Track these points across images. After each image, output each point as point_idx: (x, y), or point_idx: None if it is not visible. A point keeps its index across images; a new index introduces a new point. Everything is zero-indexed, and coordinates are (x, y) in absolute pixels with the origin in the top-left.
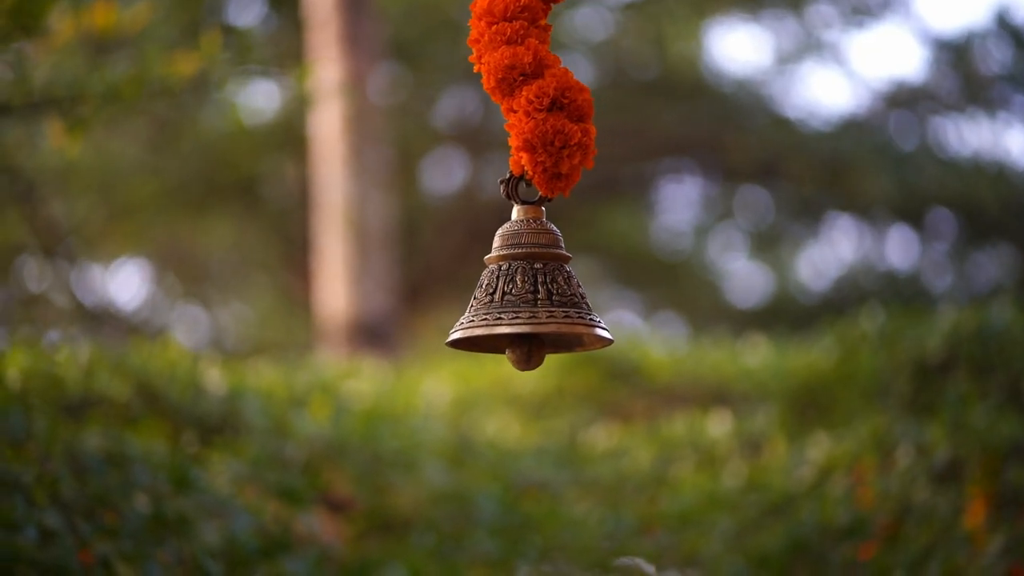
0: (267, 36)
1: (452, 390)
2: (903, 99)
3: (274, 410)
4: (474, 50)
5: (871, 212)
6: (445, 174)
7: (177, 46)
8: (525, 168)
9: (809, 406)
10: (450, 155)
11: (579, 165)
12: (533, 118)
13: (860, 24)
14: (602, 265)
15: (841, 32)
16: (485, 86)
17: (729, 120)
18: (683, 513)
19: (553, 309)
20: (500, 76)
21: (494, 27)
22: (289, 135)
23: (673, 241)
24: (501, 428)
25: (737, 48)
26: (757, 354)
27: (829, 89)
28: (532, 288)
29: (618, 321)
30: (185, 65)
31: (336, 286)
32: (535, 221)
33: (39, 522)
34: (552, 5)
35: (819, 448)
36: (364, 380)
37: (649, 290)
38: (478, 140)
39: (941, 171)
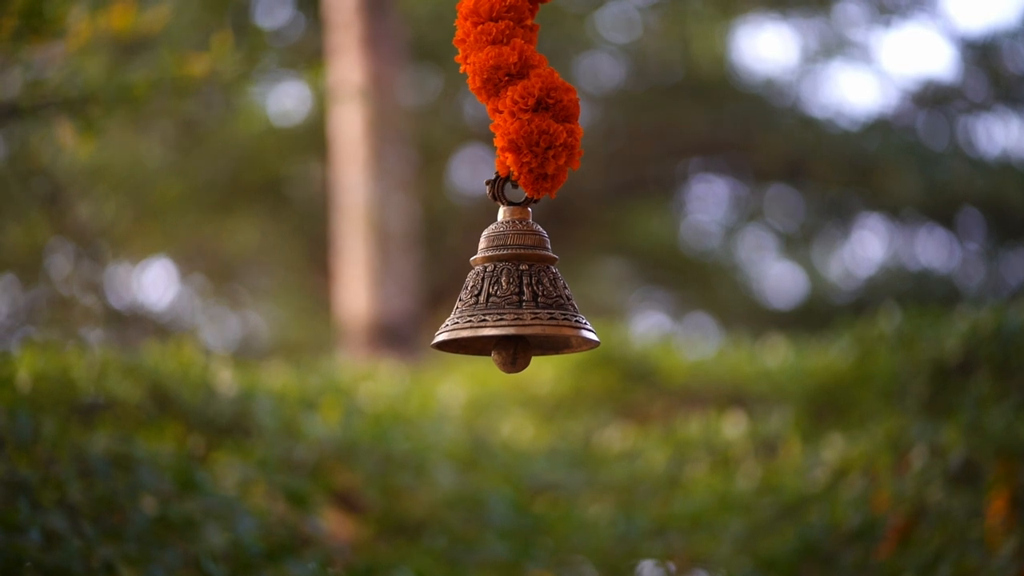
0: (295, 38)
1: (468, 392)
2: (931, 98)
3: (285, 412)
4: (460, 50)
5: (901, 212)
6: (473, 176)
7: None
8: (511, 169)
9: (826, 407)
10: (479, 156)
11: (565, 166)
12: (518, 118)
13: (887, 23)
14: (631, 266)
15: (868, 31)
16: (471, 86)
17: (756, 120)
18: (695, 515)
19: (538, 311)
20: (485, 76)
21: (480, 27)
22: (316, 136)
23: (703, 241)
24: (516, 430)
25: (764, 48)
26: (777, 355)
27: (856, 89)
28: (517, 289)
29: (647, 322)
30: (197, 66)
31: (357, 288)
32: (521, 222)
33: (44, 524)
34: (539, 5)
35: (834, 449)
36: (380, 382)
37: (679, 291)
38: None
39: (970, 170)
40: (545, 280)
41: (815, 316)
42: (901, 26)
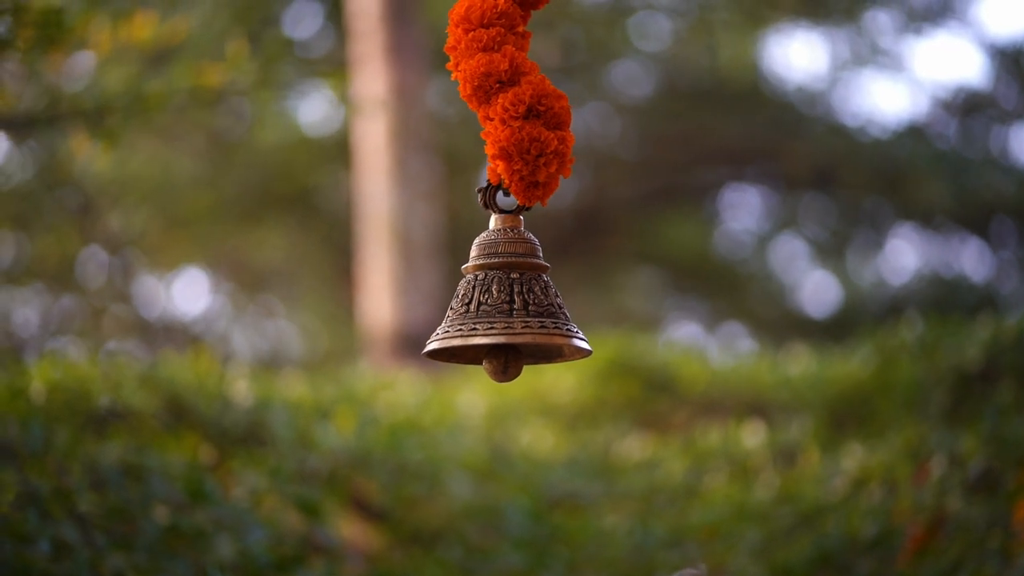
0: (325, 49)
1: (489, 401)
2: (963, 106)
3: (300, 422)
4: (451, 57)
5: (933, 220)
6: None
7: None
8: (502, 176)
9: (847, 416)
10: None
11: (556, 173)
12: (509, 126)
13: (918, 31)
14: (664, 275)
15: (899, 39)
16: (462, 94)
17: (787, 128)
18: (712, 525)
19: (529, 319)
20: (476, 83)
21: (471, 34)
22: (345, 147)
23: (736, 250)
24: (535, 440)
25: (794, 55)
26: (799, 364)
27: (887, 96)
28: (508, 298)
29: (680, 332)
30: (212, 76)
31: (381, 297)
32: (512, 230)
33: (54, 535)
34: (531, 12)
35: (853, 459)
36: (400, 392)
37: (713, 300)
38: None
39: (1002, 178)
40: (536, 288)
41: (849, 325)
42: (932, 34)
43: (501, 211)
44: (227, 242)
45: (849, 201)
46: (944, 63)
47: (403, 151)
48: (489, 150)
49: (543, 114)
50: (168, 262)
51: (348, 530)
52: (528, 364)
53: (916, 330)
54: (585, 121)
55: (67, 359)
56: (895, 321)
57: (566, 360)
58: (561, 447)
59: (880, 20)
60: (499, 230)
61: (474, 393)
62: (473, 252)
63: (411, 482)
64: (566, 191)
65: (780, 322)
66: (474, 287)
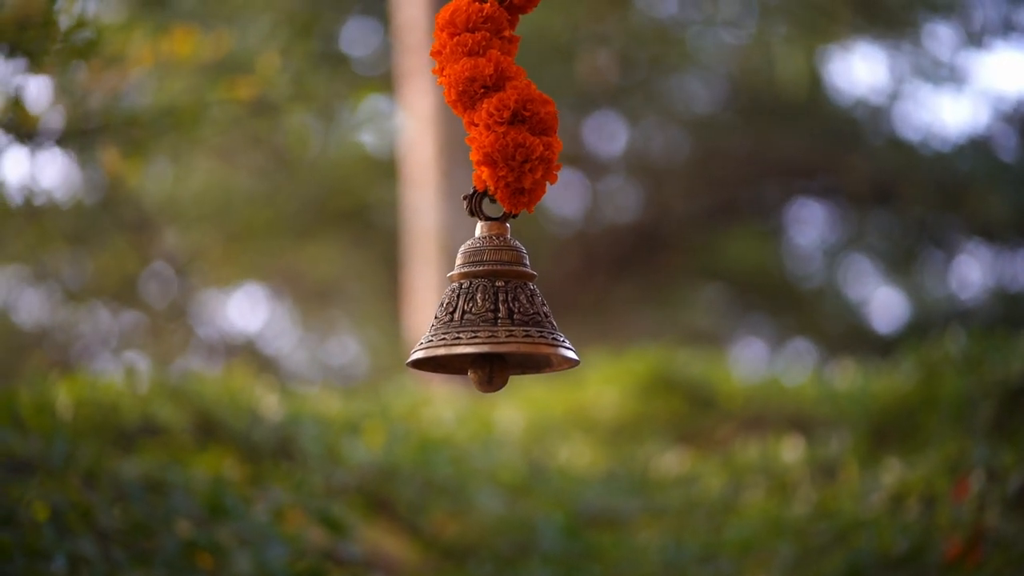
0: (385, 66)
1: (529, 417)
2: None
3: (330, 437)
4: (437, 62)
5: (997, 233)
6: (560, 198)
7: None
8: (487, 183)
9: (891, 431)
10: (565, 179)
11: (542, 180)
12: (494, 131)
13: (979, 44)
14: (728, 292)
15: (960, 52)
16: (447, 99)
17: (847, 142)
18: (747, 540)
19: (513, 328)
20: (461, 88)
21: (456, 38)
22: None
23: (801, 266)
24: (573, 455)
25: (854, 69)
26: (845, 379)
27: (948, 109)
28: (492, 306)
29: (746, 350)
30: (244, 90)
31: (427, 312)
32: (498, 238)
33: (72, 550)
34: (519, 16)
35: (892, 474)
36: (440, 407)
37: (778, 317)
38: (595, 164)
39: None
40: (522, 297)
41: (918, 340)
42: (993, 46)
43: (488, 218)
44: (287, 258)
45: (912, 215)
46: (1005, 75)
47: (450, 165)
48: (474, 156)
49: (528, 119)
50: (227, 278)
51: (377, 545)
52: (515, 374)
53: (959, 344)
54: (644, 136)
55: (96, 375)
56: (939, 335)
57: (554, 370)
58: (599, 463)
59: (941, 33)
60: (485, 237)
61: (514, 409)
62: (458, 260)
63: (439, 497)
64: (626, 207)
65: (847, 338)
66: (458, 295)
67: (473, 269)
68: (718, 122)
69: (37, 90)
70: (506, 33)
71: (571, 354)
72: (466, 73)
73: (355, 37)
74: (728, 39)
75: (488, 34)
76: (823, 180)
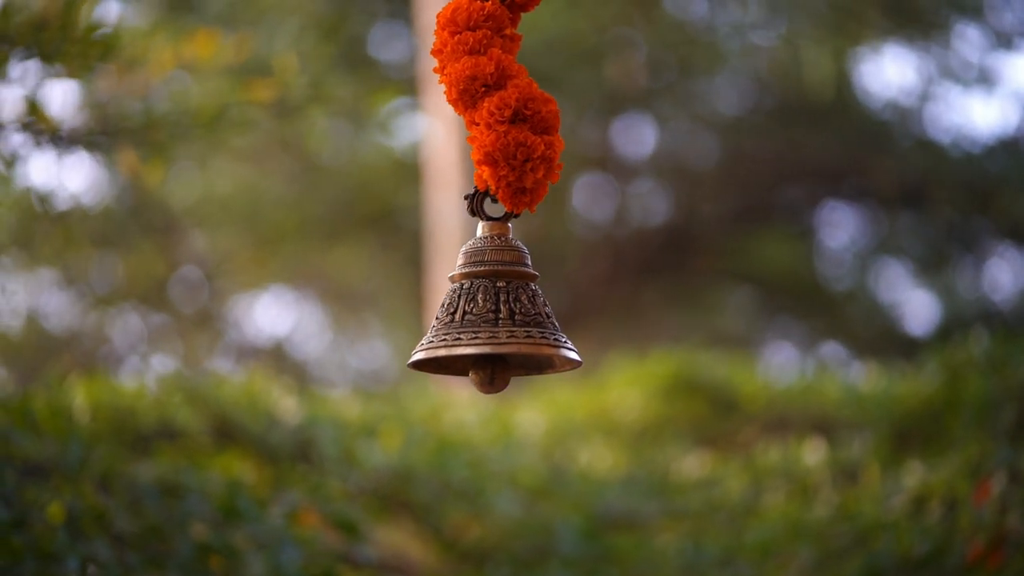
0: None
1: (551, 419)
2: None
3: (347, 440)
4: (437, 61)
5: None
6: (593, 202)
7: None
8: (488, 183)
9: (914, 433)
10: (597, 183)
11: (544, 179)
12: (495, 130)
13: (1009, 45)
14: (759, 295)
15: (989, 54)
16: (447, 98)
17: (876, 144)
18: (766, 543)
19: (514, 329)
20: (462, 87)
21: (456, 37)
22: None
23: (834, 268)
24: (594, 458)
25: (883, 71)
26: (868, 381)
27: (978, 111)
28: (493, 307)
29: (778, 354)
30: (261, 92)
31: None
32: (499, 238)
33: (86, 554)
34: (520, 14)
35: (913, 476)
36: (461, 410)
37: (810, 320)
38: (624, 167)
39: None
40: (523, 297)
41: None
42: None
43: (489, 218)
44: (316, 262)
45: (942, 217)
46: None
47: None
48: (475, 155)
49: (530, 118)
50: (255, 282)
51: (395, 548)
52: (517, 375)
53: (982, 346)
54: (673, 139)
55: (116, 378)
56: (962, 337)
57: (557, 371)
58: (621, 465)
59: (970, 35)
60: (486, 237)
61: (536, 411)
62: (459, 260)
63: (457, 500)
64: (655, 210)
65: (880, 341)
66: (459, 296)
67: (474, 269)
68: (747, 124)
69: (57, 93)
70: (507, 31)
71: (573, 355)
72: (467, 72)
73: (382, 41)
74: (757, 41)
75: (489, 32)
76: (852, 182)
